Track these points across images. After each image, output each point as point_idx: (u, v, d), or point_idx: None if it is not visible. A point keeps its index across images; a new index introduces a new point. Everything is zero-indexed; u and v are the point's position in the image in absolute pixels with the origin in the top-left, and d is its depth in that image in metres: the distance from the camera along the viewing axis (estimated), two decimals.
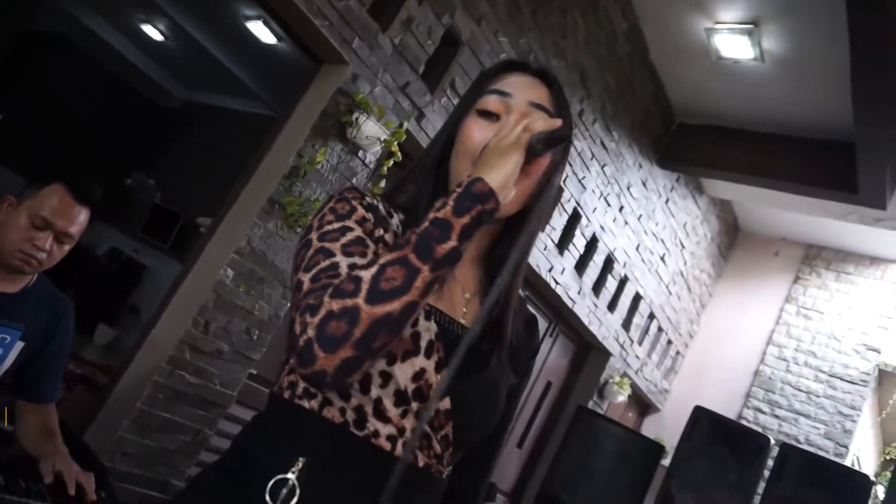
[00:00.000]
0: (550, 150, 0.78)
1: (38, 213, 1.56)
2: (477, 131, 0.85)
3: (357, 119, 2.59)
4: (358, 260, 0.76)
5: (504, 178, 0.75)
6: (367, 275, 0.70)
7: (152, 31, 6.23)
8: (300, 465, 0.76)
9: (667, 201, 5.10)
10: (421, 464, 0.81)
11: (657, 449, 4.31)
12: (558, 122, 0.78)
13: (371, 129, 2.61)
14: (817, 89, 3.80)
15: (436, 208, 0.74)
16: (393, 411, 0.78)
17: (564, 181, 3.97)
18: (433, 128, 3.03)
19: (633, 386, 5.40)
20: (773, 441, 3.47)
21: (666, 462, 3.68)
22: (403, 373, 0.78)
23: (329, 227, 0.79)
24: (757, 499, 3.18)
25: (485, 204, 0.73)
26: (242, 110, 7.36)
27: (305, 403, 0.79)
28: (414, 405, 0.79)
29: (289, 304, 0.67)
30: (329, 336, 0.68)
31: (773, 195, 4.85)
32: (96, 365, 3.82)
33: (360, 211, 0.82)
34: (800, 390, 5.54)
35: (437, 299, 0.85)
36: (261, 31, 4.86)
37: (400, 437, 0.79)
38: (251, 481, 0.76)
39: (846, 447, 5.19)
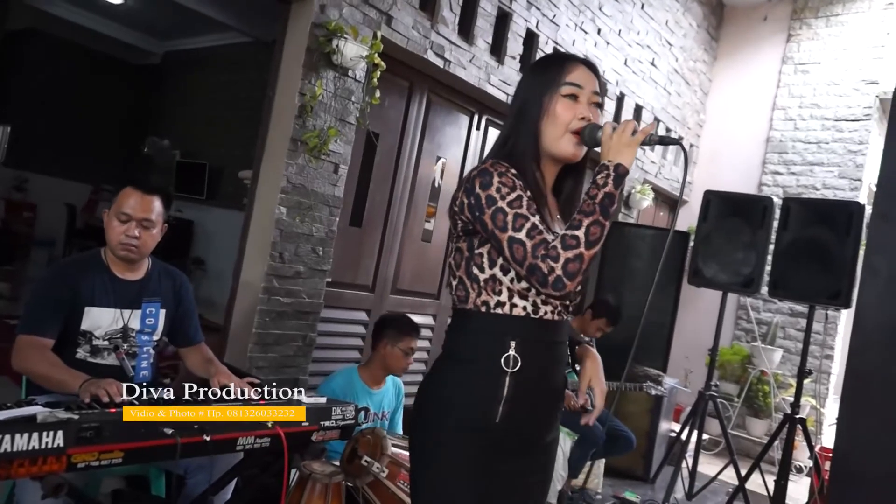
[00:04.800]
0: (654, 144, 1.31)
1: (120, 211, 2.07)
2: (566, 111, 1.32)
3: (337, 46, 2.92)
4: (532, 216, 1.22)
5: (633, 159, 1.27)
6: (580, 233, 1.18)
7: None
8: (514, 344, 1.28)
9: (643, 6, 5.22)
10: (562, 318, 1.36)
11: (683, 236, 4.82)
12: (654, 126, 1.30)
13: (352, 51, 2.94)
14: None
15: (599, 185, 1.22)
16: (550, 300, 1.31)
17: (537, 25, 4.20)
18: (403, 27, 3.31)
19: (656, 189, 5.84)
20: (776, 200, 3.88)
21: None
22: None
23: (511, 197, 1.23)
24: (770, 248, 3.65)
25: (625, 177, 1.25)
26: (219, 44, 7.44)
27: (500, 311, 1.28)
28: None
29: (481, 250, 1.26)
30: (570, 272, 1.18)
31: None
32: None
33: (514, 180, 1.26)
34: (809, 143, 5.86)
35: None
36: None
37: (554, 311, 1.32)
38: (490, 358, 1.27)
39: (859, 180, 5.57)
